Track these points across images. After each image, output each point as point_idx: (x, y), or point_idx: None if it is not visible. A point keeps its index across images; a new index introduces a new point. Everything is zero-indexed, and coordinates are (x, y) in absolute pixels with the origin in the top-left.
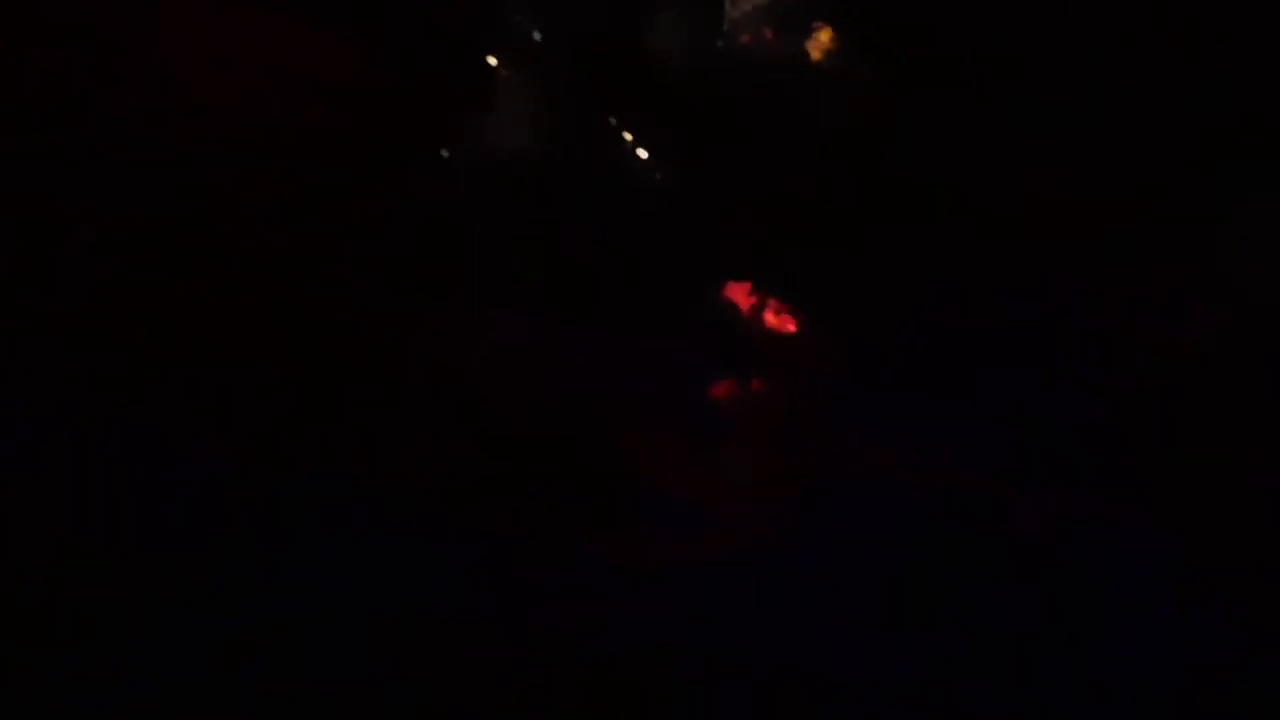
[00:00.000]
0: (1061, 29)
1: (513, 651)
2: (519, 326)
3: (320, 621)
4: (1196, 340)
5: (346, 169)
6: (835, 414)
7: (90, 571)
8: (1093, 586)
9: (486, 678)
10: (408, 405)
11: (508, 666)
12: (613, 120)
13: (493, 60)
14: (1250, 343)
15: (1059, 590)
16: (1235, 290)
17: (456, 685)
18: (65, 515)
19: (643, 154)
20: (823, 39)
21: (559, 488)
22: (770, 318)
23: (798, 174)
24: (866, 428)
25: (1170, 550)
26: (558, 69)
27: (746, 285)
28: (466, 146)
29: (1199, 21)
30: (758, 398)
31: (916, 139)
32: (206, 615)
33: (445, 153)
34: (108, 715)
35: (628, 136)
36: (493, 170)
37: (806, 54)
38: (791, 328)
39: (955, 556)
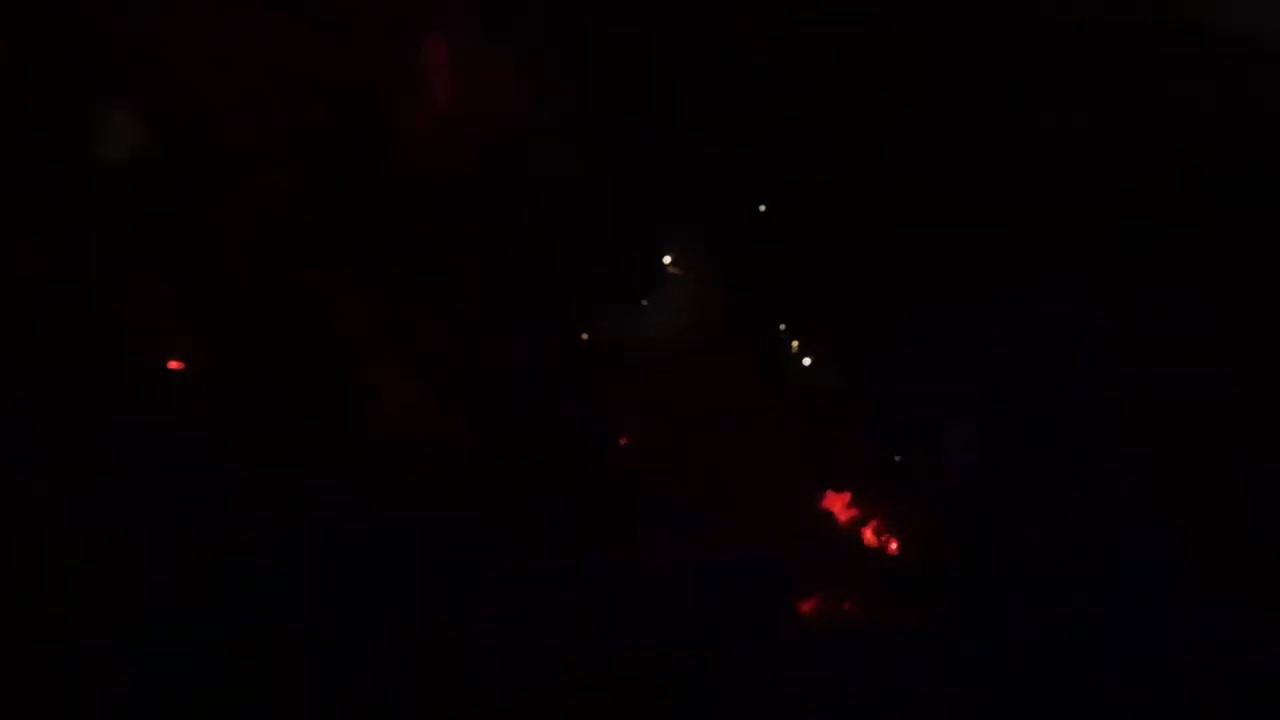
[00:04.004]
0: (1061, 30)
1: (513, 651)
2: (519, 330)
3: (323, 621)
4: (1196, 340)
5: (346, 169)
6: (835, 415)
7: (92, 573)
8: (1093, 585)
9: (487, 678)
10: (409, 406)
11: (508, 666)
12: None
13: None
14: (1249, 342)
15: (1060, 589)
16: (1233, 290)
17: (457, 685)
18: (66, 519)
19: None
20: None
21: (560, 489)
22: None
23: (797, 177)
24: (867, 428)
25: (1170, 550)
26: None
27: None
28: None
29: (1199, 23)
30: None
31: (916, 141)
32: (206, 616)
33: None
34: (108, 715)
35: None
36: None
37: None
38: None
39: (956, 556)
